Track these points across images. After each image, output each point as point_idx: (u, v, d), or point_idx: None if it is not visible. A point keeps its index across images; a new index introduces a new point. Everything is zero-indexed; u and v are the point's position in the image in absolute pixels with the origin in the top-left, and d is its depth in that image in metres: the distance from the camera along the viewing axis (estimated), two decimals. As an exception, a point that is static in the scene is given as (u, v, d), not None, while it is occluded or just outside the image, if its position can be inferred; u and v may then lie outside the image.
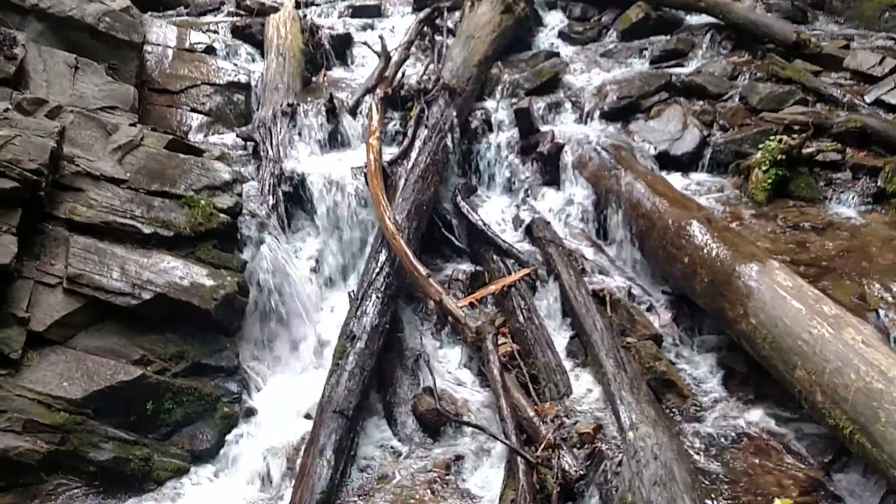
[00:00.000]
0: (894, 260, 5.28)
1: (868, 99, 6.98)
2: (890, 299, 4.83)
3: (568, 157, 6.76)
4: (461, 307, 5.31)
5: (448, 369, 5.47)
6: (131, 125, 5.79)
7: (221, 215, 5.30)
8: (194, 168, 5.53)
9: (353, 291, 5.59)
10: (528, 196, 6.84)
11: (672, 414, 4.77)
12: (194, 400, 4.85)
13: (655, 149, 6.94)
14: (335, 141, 6.72)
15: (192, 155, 5.71)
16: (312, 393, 5.02)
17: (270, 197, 5.81)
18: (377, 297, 5.35)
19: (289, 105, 6.72)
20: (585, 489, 4.20)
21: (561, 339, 5.49)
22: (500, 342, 5.12)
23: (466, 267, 6.19)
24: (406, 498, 4.53)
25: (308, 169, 6.13)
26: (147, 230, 5.06)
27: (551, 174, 6.86)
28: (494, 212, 6.69)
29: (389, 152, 6.40)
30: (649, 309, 5.62)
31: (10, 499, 4.32)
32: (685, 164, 6.90)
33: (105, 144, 5.49)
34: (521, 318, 5.51)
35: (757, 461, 4.35)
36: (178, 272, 4.95)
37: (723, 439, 4.54)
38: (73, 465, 4.47)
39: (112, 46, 6.71)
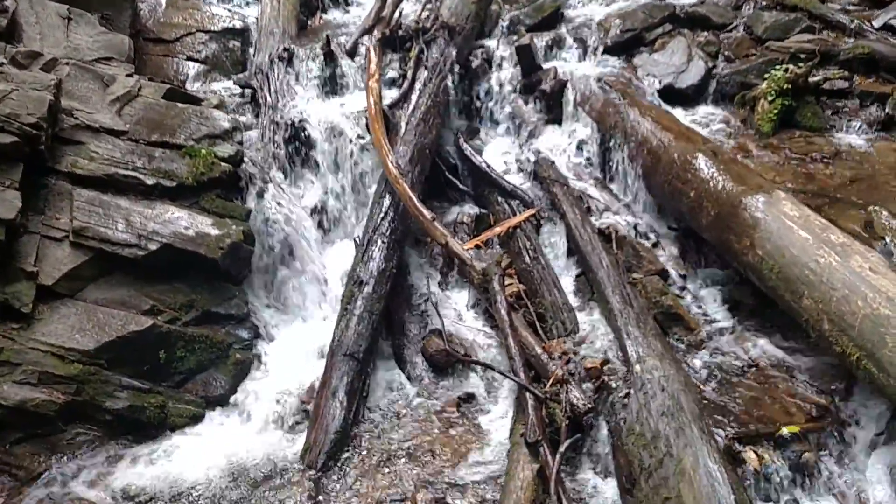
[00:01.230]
0: (902, 187, 5.24)
1: (876, 24, 6.84)
2: (897, 226, 4.81)
3: (571, 95, 6.66)
4: (467, 249, 5.31)
5: (455, 311, 5.51)
6: (128, 76, 5.72)
7: (223, 164, 5.27)
8: (193, 117, 5.47)
9: (358, 237, 5.59)
10: (531, 136, 6.76)
11: (679, 346, 4.80)
12: (206, 347, 4.91)
13: (660, 82, 6.83)
14: (334, 85, 6.61)
15: (191, 104, 5.65)
16: (322, 338, 5.08)
17: (271, 144, 5.76)
18: (383, 242, 5.35)
19: (285, 50, 6.62)
20: (594, 421, 4.28)
21: (567, 277, 5.52)
22: (506, 283, 5.15)
23: (471, 210, 6.18)
24: (418, 435, 4.63)
25: (308, 115, 6.06)
26: (150, 181, 5.05)
27: (555, 112, 6.77)
28: (498, 153, 6.63)
29: (389, 95, 6.32)
30: (655, 245, 5.61)
31: (29, 448, 4.43)
32: (690, 97, 6.79)
33: (103, 96, 5.43)
34: (527, 259, 5.52)
35: (764, 390, 4.39)
36: (183, 222, 4.95)
37: (730, 370, 4.58)
38: (89, 414, 4.56)
39: (104, -4, 6.60)
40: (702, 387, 4.41)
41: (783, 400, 4.34)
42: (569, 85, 6.70)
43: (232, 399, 4.91)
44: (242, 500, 4.25)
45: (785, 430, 4.11)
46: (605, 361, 4.52)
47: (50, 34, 5.92)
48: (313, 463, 4.41)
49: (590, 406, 4.28)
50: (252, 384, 4.98)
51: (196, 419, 4.77)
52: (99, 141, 5.12)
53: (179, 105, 5.56)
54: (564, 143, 6.52)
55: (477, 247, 5.48)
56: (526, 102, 6.91)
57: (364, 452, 4.55)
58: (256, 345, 5.17)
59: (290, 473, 4.40)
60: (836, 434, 4.20)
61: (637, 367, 4.29)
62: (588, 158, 6.41)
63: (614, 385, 4.31)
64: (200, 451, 4.57)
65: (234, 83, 6.70)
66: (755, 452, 4.05)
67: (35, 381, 4.39)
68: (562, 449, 4.07)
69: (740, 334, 4.87)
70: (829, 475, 4.08)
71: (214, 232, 5.00)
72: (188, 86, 6.78)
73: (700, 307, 5.16)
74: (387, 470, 4.40)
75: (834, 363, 4.41)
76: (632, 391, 4.18)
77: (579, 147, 6.45)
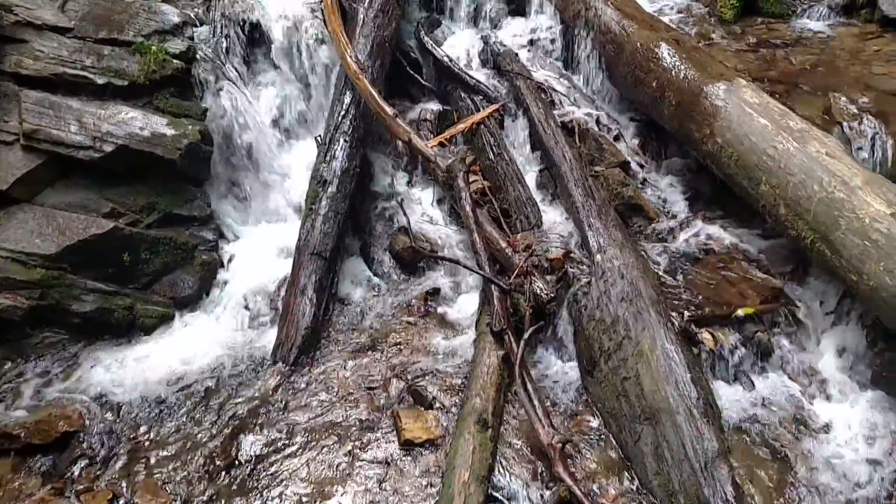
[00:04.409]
0: (861, 72, 5.26)
1: None
2: (854, 111, 4.86)
3: (535, -17, 6.48)
4: (431, 147, 5.28)
5: (421, 209, 5.51)
6: (68, -32, 5.41)
7: (175, 61, 5.09)
8: (141, 12, 5.23)
9: (320, 136, 5.50)
10: (494, 27, 6.61)
11: (639, 236, 4.90)
12: (171, 249, 4.88)
13: (625, -31, 6.65)
14: (289, -25, 6.32)
15: (138, -2, 5.39)
16: (287, 239, 5.08)
17: (224, 39, 5.54)
18: (345, 141, 5.28)
19: (235, -62, 6.26)
20: (556, 310, 4.40)
21: (531, 172, 5.52)
22: (471, 179, 5.15)
23: (434, 106, 6.08)
24: (387, 328, 4.74)
25: (261, 6, 5.81)
26: (100, 80, 4.87)
27: (517, 2, 6.60)
28: (460, 46, 6.45)
29: (346, -14, 6.08)
30: (617, 137, 5.62)
31: (-2, 354, 4.45)
32: (655, -17, 6.66)
33: (43, -9, 5.15)
34: (491, 155, 5.50)
35: (720, 275, 4.52)
36: (138, 122, 4.82)
37: (688, 257, 4.69)
38: (57, 318, 4.56)
39: None
40: (660, 274, 4.52)
41: (739, 284, 4.47)
42: (533, -28, 6.51)
43: (200, 299, 4.93)
44: (214, 397, 4.34)
45: (740, 312, 4.26)
46: (568, 252, 4.60)
47: (-21, -76, 5.53)
48: (285, 357, 4.51)
49: (552, 295, 4.39)
50: (220, 284, 5.00)
51: (165, 320, 4.80)
52: (43, 39, 4.90)
53: (126, -1, 5.31)
54: (528, 34, 6.39)
55: (441, 144, 5.45)
56: (488, -9, 6.70)
57: (334, 347, 4.65)
58: (222, 246, 5.15)
59: (262, 369, 4.50)
60: (788, 315, 4.37)
61: (598, 257, 4.38)
62: (552, 49, 6.30)
63: (576, 274, 4.41)
64: (170, 351, 4.61)
65: (183, -25, 6.37)
66: (711, 333, 4.21)
67: (-3, 287, 4.36)
68: (525, 336, 4.20)
69: (699, 222, 4.95)
70: (782, 354, 4.27)
71: (170, 132, 4.88)
72: (134, -21, 6.42)
73: (660, 197, 5.24)
74: (357, 362, 4.51)
75: (788, 247, 4.54)
76: (593, 280, 4.29)
77: (543, 38, 6.33)
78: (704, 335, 4.18)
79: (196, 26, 5.49)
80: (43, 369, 4.47)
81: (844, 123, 4.78)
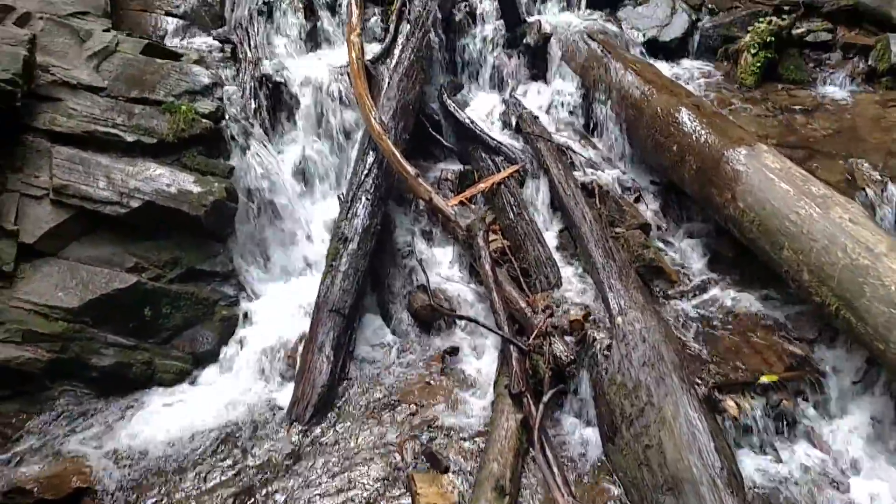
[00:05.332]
0: (883, 139, 5.27)
1: (861, -24, 6.78)
2: (878, 177, 4.85)
3: (555, 49, 6.62)
4: (451, 206, 5.32)
5: (440, 267, 5.52)
6: (105, 31, 5.60)
7: (204, 120, 5.21)
8: (172, 73, 5.39)
9: (342, 194, 5.57)
10: (515, 91, 6.73)
11: (660, 299, 4.86)
12: (192, 304, 4.91)
13: (644, 36, 6.81)
14: (315, 39, 6.53)
15: (170, 59, 5.55)
16: (307, 295, 5.09)
17: (252, 100, 5.69)
18: (367, 199, 5.34)
19: (265, 3, 6.49)
20: (576, 372, 4.34)
21: (551, 233, 5.54)
22: (490, 238, 5.17)
23: (455, 166, 6.16)
24: (404, 388, 4.69)
25: (289, 70, 5.98)
26: (130, 138, 4.98)
27: (539, 67, 6.74)
28: (482, 109, 6.59)
29: (372, 50, 6.25)
30: (637, 199, 5.64)
31: (16, 406, 4.45)
32: (674, 50, 6.79)
33: (80, 52, 5.33)
34: (511, 215, 5.53)
35: (743, 341, 4.46)
36: (165, 179, 4.91)
37: (710, 321, 4.64)
38: (76, 371, 4.57)
39: (78, -52, 6.40)
40: (682, 338, 4.47)
41: (762, 350, 4.41)
42: (553, 39, 6.66)
43: (219, 355, 4.92)
44: (229, 455, 4.29)
45: (764, 379, 4.18)
46: (588, 314, 4.57)
47: (22, -12, 5.76)
48: (301, 417, 4.47)
49: (572, 357, 4.34)
50: (239, 340, 4.99)
51: (184, 375, 4.80)
52: (77, 98, 5.04)
53: (158, 61, 5.46)
54: (548, 98, 6.50)
55: (461, 203, 5.49)
56: (510, 57, 6.85)
57: (351, 406, 4.61)
58: (242, 301, 5.17)
59: (278, 428, 4.45)
60: (814, 383, 4.28)
61: (619, 319, 4.34)
62: (572, 113, 6.40)
63: (597, 337, 4.36)
64: (187, 406, 4.60)
65: (214, 38, 6.57)
66: (734, 401, 4.12)
67: (19, 339, 4.39)
68: (545, 399, 4.14)
69: (721, 286, 4.92)
70: (808, 423, 4.17)
71: (197, 189, 4.96)
72: (167, 41, 6.63)
73: (681, 260, 5.21)
74: (373, 422, 4.46)
75: (812, 313, 4.47)
76: (614, 342, 4.24)
77: (563, 101, 6.43)
78: (728, 402, 4.10)
79: (225, 86, 5.63)
80: (59, 423, 4.46)
81: (868, 189, 4.77)
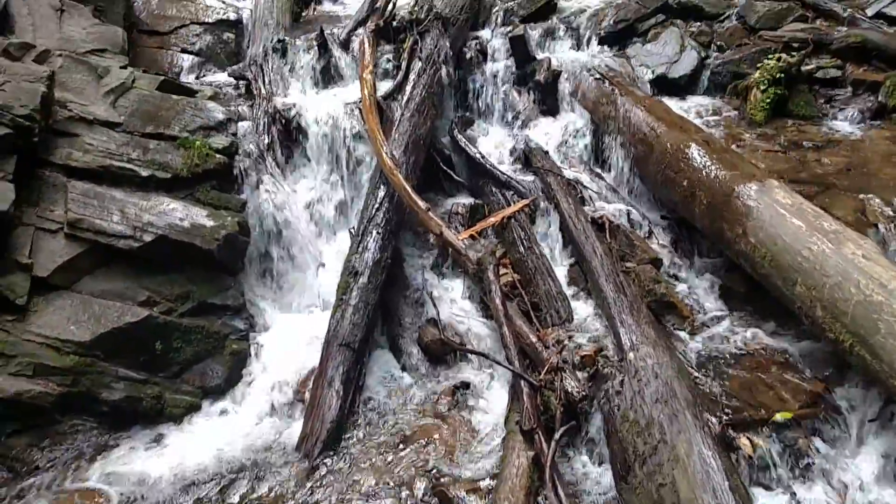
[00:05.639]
0: (894, 174, 5.24)
1: (869, 12, 6.87)
2: (890, 213, 4.82)
3: (565, 85, 6.68)
4: (462, 239, 5.34)
5: (451, 301, 5.52)
6: (122, 68, 5.72)
7: (217, 156, 5.28)
8: (187, 109, 5.47)
9: (353, 228, 5.60)
10: (525, 126, 6.78)
11: (672, 334, 4.82)
12: (202, 338, 4.92)
13: (653, 73, 6.86)
14: (328, 76, 6.62)
15: (185, 96, 5.66)
16: (318, 329, 5.09)
17: (265, 135, 5.76)
18: (378, 233, 5.37)
19: (279, 41, 6.62)
20: (588, 409, 4.30)
21: (561, 267, 5.53)
22: (501, 272, 5.16)
23: (466, 200, 6.18)
24: (414, 424, 4.65)
25: (302, 106, 6.06)
26: (144, 173, 5.05)
27: (549, 103, 6.79)
28: (492, 144, 6.64)
29: (384, 87, 6.33)
30: (648, 234, 5.63)
31: (26, 440, 4.44)
32: (683, 87, 6.82)
33: (97, 88, 5.43)
34: (521, 249, 5.53)
35: (757, 377, 4.41)
36: (178, 214, 4.95)
37: (723, 357, 4.60)
38: (86, 405, 4.57)
39: (97, -13, 6.58)
40: (695, 374, 4.42)
41: (776, 386, 4.35)
42: (563, 75, 6.72)
43: (229, 389, 4.92)
44: (238, 491, 4.26)
45: (778, 417, 4.12)
46: (599, 349, 4.54)
47: (42, 25, 5.91)
48: (310, 452, 4.43)
49: (584, 393, 4.30)
50: (249, 374, 4.99)
51: (193, 409, 4.79)
52: (93, 133, 5.12)
53: (174, 97, 5.56)
54: (558, 133, 6.54)
55: (472, 237, 5.50)
56: (520, 93, 6.92)
57: (360, 441, 4.57)
58: (253, 335, 5.18)
59: (287, 463, 4.42)
60: (829, 420, 4.21)
61: (631, 355, 4.31)
62: (582, 148, 6.43)
63: (608, 373, 4.33)
64: (197, 441, 4.58)
65: (229, 75, 6.70)
66: (749, 439, 4.06)
67: (30, 372, 4.39)
68: (556, 436, 4.09)
69: (733, 322, 4.89)
70: (824, 462, 4.09)
71: (210, 223, 5.01)
72: (182, 78, 6.78)
73: (693, 295, 5.18)
74: (383, 458, 4.42)
75: (826, 350, 4.42)
76: (626, 378, 4.20)
77: (573, 137, 6.47)
78: (742, 440, 4.04)
79: (239, 122, 5.70)
80: (68, 458, 4.44)
81: (880, 225, 4.75)
